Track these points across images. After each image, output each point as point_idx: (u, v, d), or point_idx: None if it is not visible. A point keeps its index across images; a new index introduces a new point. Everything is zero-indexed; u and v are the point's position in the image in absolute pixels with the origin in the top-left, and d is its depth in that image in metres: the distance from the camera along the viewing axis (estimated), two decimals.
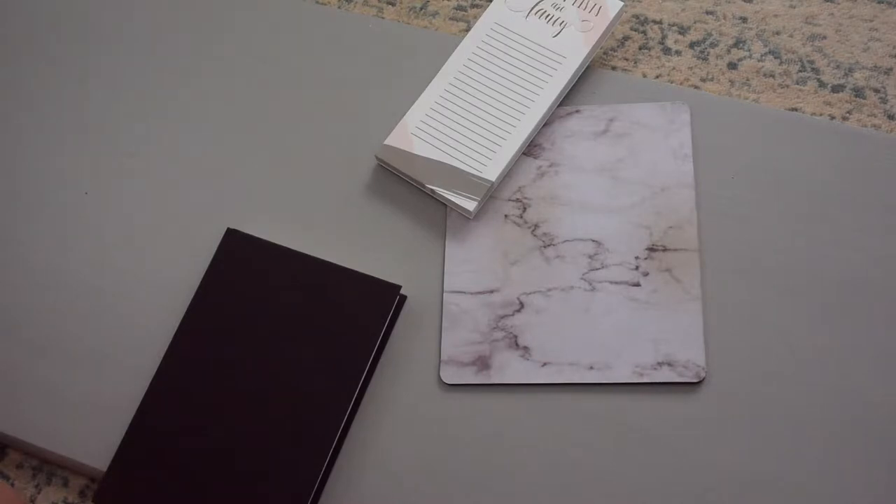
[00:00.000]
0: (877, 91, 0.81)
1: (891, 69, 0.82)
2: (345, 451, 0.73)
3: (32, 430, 0.76)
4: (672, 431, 0.70)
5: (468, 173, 0.78)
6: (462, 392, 0.73)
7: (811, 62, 0.83)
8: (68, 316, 0.80)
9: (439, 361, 0.74)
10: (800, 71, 0.83)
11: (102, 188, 0.85)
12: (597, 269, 0.75)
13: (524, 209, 0.78)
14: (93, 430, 0.76)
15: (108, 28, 0.92)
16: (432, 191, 0.78)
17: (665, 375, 0.71)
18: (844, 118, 0.81)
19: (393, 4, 0.91)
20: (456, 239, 0.78)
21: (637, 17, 0.87)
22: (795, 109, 0.82)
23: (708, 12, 0.87)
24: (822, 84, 0.82)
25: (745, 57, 0.84)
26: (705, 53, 0.85)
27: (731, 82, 0.83)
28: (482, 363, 0.73)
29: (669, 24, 0.87)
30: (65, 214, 0.84)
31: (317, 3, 0.92)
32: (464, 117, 0.80)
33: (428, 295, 0.77)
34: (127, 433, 0.74)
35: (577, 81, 0.82)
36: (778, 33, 0.85)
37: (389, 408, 0.74)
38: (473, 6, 0.90)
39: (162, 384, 0.75)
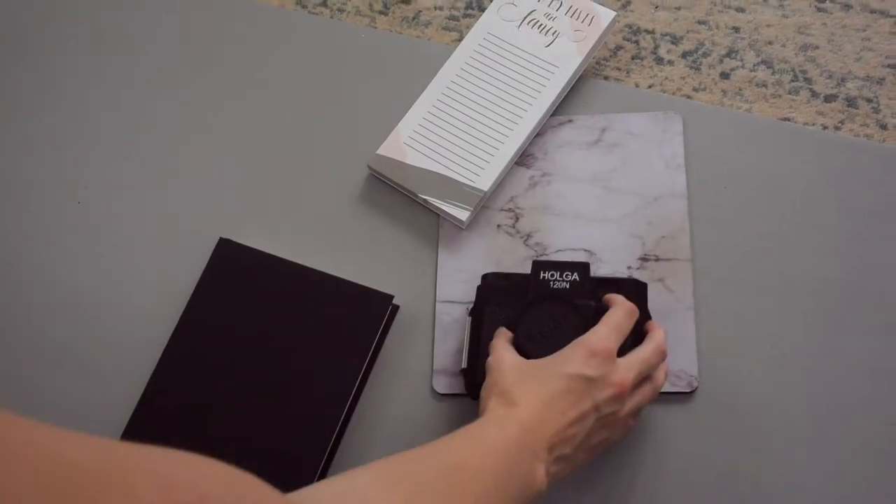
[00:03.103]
0: (869, 101, 0.81)
1: (883, 79, 0.82)
2: (337, 460, 0.72)
3: None
4: (664, 441, 0.70)
5: (461, 183, 0.78)
6: (454, 402, 0.73)
7: (804, 72, 0.84)
8: (60, 324, 0.80)
9: (432, 371, 0.74)
10: (792, 81, 0.83)
11: (94, 197, 0.85)
12: None
13: (517, 219, 0.78)
14: None
15: (100, 36, 0.92)
16: (425, 200, 0.78)
17: None
18: (837, 128, 0.81)
19: (385, 14, 0.92)
20: (448, 248, 0.78)
21: (630, 26, 0.87)
22: (788, 119, 0.82)
23: (700, 22, 0.87)
24: (814, 94, 0.83)
25: (737, 67, 0.84)
26: (698, 63, 0.85)
27: (724, 92, 0.83)
28: None
29: (662, 34, 0.87)
30: (56, 223, 0.84)
31: (309, 13, 0.93)
32: (456, 127, 0.80)
33: (420, 305, 0.77)
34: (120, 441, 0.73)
35: (569, 91, 0.82)
36: (770, 43, 0.85)
37: (382, 417, 0.74)
38: (466, 16, 0.90)
39: (154, 394, 0.75)
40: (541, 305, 0.66)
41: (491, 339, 0.67)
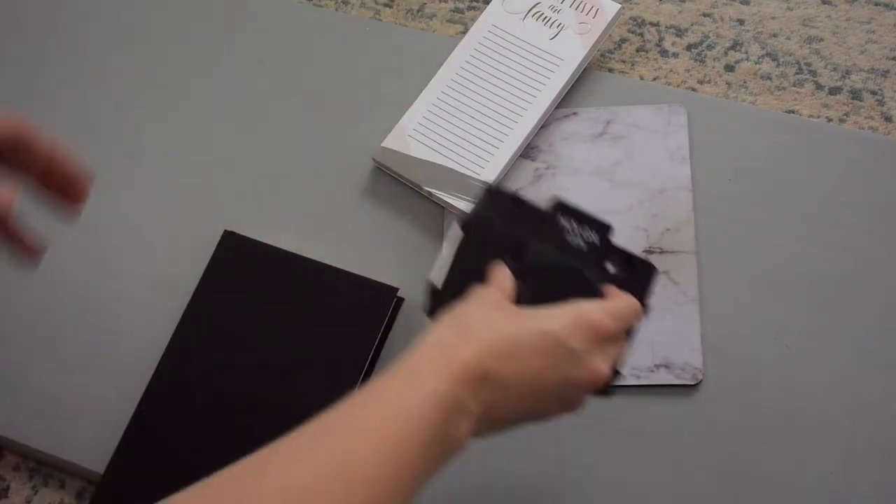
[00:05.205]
0: (874, 93, 0.81)
1: (888, 71, 0.82)
2: None
3: (29, 433, 0.76)
4: (669, 433, 0.70)
5: (465, 175, 0.78)
6: None
7: (808, 64, 0.83)
8: (65, 318, 0.80)
9: None
10: (797, 73, 0.83)
11: (99, 190, 0.84)
12: None
13: None
14: (90, 433, 0.75)
15: (104, 31, 0.92)
16: (429, 193, 0.78)
17: (662, 378, 0.71)
18: (842, 120, 0.81)
19: (390, 7, 0.91)
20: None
21: (634, 19, 0.87)
22: (792, 111, 0.82)
23: (705, 14, 0.87)
24: (819, 86, 0.83)
25: (742, 59, 0.84)
26: (702, 56, 0.85)
27: (728, 84, 0.83)
28: None
29: (667, 27, 0.87)
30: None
31: (314, 5, 0.93)
32: (461, 119, 0.80)
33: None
34: (124, 436, 0.74)
35: (574, 83, 0.82)
36: (775, 35, 0.85)
37: None
38: (471, 8, 0.90)
39: (159, 387, 0.75)
40: (548, 265, 0.57)
41: (483, 263, 0.57)
